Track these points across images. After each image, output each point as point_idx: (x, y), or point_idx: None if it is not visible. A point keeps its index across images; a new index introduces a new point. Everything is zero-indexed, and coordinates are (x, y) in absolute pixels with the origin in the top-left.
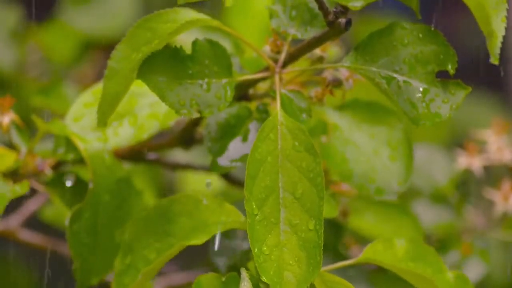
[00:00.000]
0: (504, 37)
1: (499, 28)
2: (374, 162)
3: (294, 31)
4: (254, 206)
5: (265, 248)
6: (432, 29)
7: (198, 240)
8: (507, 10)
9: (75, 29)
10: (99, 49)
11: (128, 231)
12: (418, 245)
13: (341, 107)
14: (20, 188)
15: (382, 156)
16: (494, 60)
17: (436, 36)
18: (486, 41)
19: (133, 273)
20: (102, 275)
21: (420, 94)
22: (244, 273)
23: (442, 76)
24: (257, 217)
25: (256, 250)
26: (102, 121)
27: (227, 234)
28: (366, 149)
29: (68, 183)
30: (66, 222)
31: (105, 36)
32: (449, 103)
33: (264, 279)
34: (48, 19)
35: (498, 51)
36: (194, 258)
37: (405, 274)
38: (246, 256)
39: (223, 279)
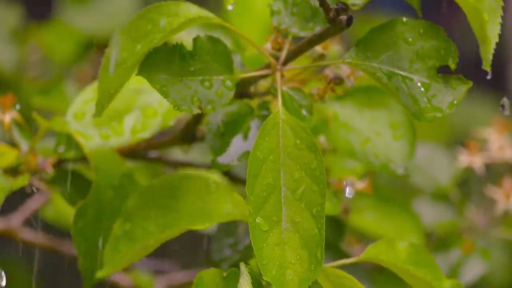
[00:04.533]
0: (504, 37)
1: (493, 34)
2: (377, 142)
3: (295, 29)
4: (256, 205)
5: (267, 247)
6: (433, 24)
7: (202, 226)
8: (505, 12)
9: (75, 29)
10: (99, 49)
11: (132, 200)
12: (420, 250)
13: (341, 96)
14: (20, 180)
15: (385, 136)
16: (486, 66)
17: (436, 32)
18: (480, 46)
19: (129, 241)
20: (108, 271)
21: (421, 89)
22: (243, 267)
23: (443, 71)
24: (259, 215)
25: (257, 249)
26: (100, 111)
27: (229, 231)
28: (368, 132)
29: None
30: (71, 220)
31: (105, 36)
32: (451, 98)
33: (266, 278)
34: (48, 19)
35: (491, 57)
36: (195, 257)
37: (406, 276)
38: (248, 253)
39: (224, 274)
